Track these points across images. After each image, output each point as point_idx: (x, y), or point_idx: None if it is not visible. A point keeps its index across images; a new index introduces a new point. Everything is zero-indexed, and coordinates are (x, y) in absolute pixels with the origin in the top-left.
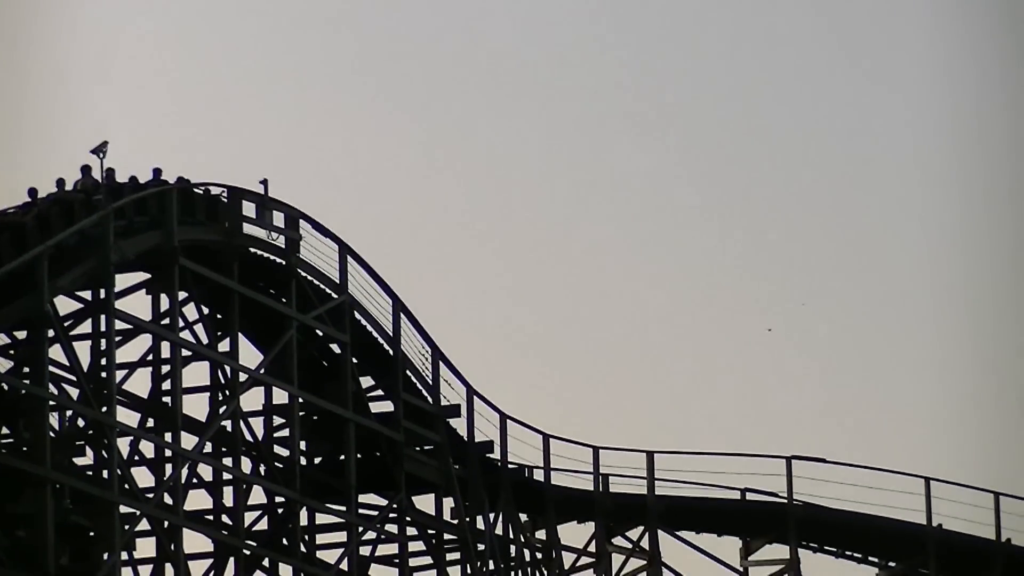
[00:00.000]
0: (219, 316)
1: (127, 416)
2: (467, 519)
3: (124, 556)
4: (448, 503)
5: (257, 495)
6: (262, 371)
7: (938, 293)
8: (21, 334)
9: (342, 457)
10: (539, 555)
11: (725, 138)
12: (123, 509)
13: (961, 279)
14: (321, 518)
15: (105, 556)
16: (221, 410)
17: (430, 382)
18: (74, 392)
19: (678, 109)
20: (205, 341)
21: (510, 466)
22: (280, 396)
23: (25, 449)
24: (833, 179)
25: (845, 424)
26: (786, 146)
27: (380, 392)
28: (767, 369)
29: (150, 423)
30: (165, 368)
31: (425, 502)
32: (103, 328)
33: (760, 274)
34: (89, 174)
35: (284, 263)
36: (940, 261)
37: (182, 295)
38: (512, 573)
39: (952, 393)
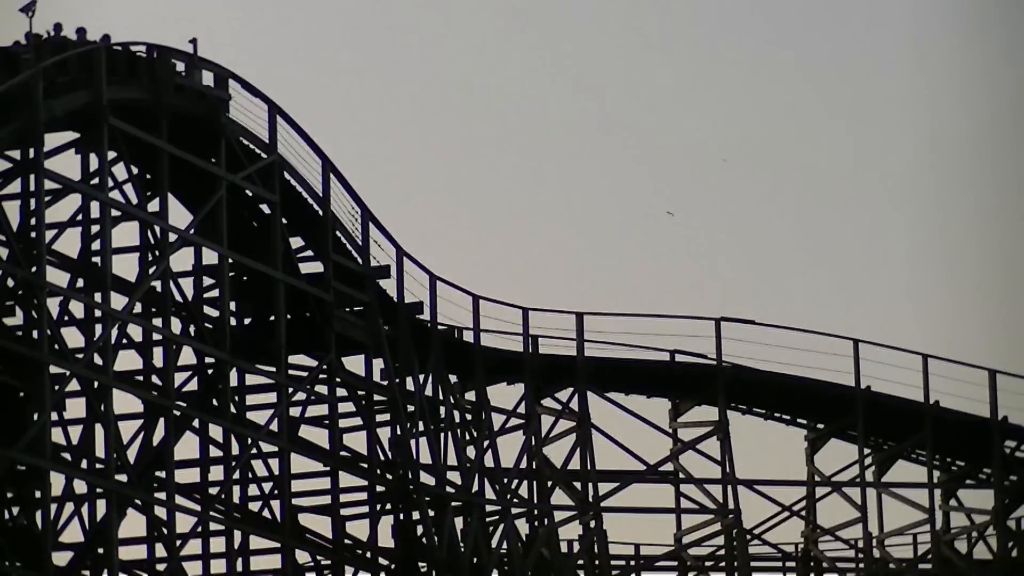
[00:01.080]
0: (148, 176)
1: (56, 276)
2: (397, 380)
3: (54, 416)
4: (378, 364)
5: (187, 355)
6: (191, 231)
7: (869, 153)
8: None
9: (272, 318)
10: (468, 416)
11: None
12: (53, 369)
13: (889, 138)
14: (251, 379)
15: (35, 416)
16: (151, 270)
17: (360, 243)
18: (3, 252)
19: None
20: (135, 201)
21: (440, 327)
22: (210, 256)
23: None
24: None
25: (774, 285)
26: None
27: (310, 253)
28: (696, 230)
29: (80, 283)
30: (95, 228)
31: (355, 363)
32: (32, 188)
33: (686, 134)
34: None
35: (213, 122)
36: (860, 114)
37: (111, 155)
38: (442, 434)
39: (879, 254)
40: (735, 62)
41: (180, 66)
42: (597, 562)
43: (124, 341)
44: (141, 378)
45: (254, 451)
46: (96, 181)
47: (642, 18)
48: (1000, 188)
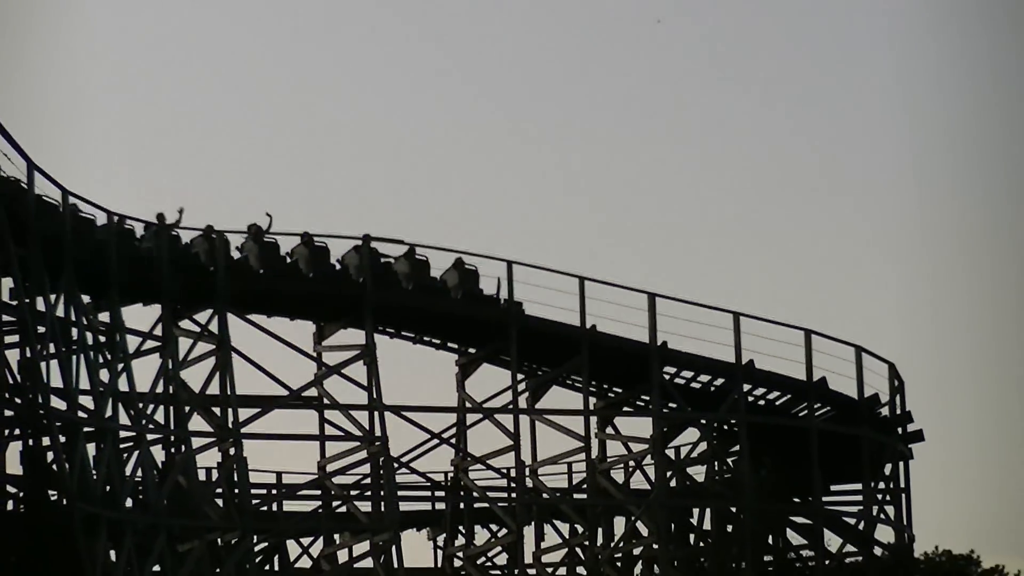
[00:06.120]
0: None
1: None
2: (27, 300)
3: None
4: (7, 283)
5: None
6: None
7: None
8: None
9: None
10: (102, 338)
11: None
12: None
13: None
14: None
15: None
16: None
17: None
18: None
19: None
20: None
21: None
22: None
23: None
24: None
25: (427, 203)
26: None
27: None
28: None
29: None
30: None
31: None
32: None
33: None
34: None
35: None
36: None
37: None
38: (73, 357)
39: (526, 172)
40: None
41: None
42: (237, 491)
43: None
44: None
45: None
46: None
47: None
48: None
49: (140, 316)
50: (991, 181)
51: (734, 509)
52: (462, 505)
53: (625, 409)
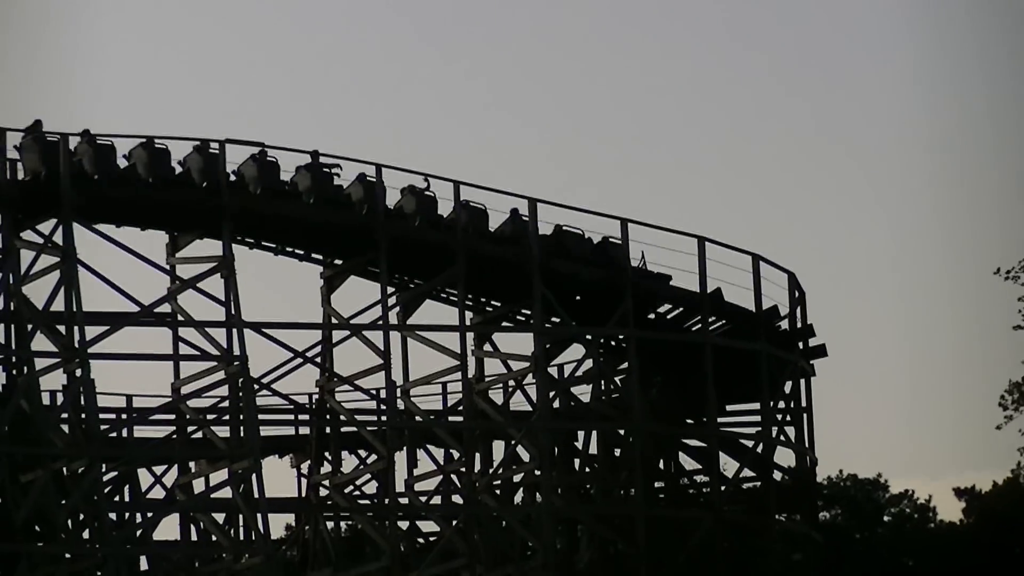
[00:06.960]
0: None
1: None
2: None
3: None
4: None
5: None
6: None
7: None
8: None
9: None
10: None
11: None
12: None
13: None
14: None
15: None
16: None
17: None
18: None
19: None
20: None
21: None
22: None
23: None
24: None
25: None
26: None
27: None
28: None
29: None
30: None
31: None
32: None
33: None
34: None
35: None
36: None
37: None
38: None
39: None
40: None
41: None
42: (84, 416)
43: None
44: None
45: None
46: None
47: None
48: None
49: None
50: (894, 78)
51: (622, 431)
52: (328, 429)
53: (504, 324)
